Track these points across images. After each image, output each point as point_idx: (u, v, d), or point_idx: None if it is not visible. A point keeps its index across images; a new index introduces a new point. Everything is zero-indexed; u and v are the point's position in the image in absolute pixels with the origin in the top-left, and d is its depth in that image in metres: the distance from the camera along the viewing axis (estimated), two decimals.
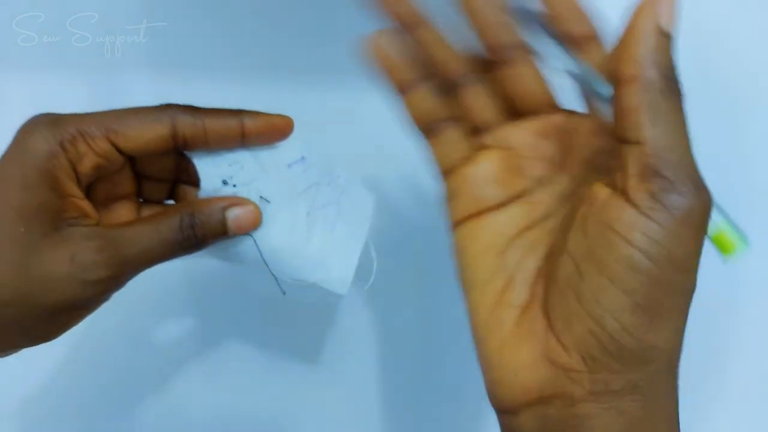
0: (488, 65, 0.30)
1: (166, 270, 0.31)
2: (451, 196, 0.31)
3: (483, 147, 0.30)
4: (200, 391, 0.45)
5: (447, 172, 0.31)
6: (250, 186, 0.31)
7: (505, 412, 0.27)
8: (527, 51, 0.29)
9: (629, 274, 0.23)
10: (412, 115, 0.31)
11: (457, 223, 0.31)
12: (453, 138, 0.31)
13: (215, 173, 0.31)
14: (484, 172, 0.30)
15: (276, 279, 0.32)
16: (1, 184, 0.28)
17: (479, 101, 0.30)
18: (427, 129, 0.31)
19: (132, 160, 0.32)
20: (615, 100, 0.24)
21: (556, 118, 0.30)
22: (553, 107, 0.30)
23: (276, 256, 0.32)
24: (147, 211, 0.34)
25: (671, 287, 0.24)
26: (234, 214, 0.30)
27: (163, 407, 0.45)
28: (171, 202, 0.35)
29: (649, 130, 0.23)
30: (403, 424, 0.48)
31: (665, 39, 0.25)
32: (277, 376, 0.46)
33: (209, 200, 0.30)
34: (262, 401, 0.45)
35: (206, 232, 0.30)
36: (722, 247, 0.26)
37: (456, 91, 0.30)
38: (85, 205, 0.29)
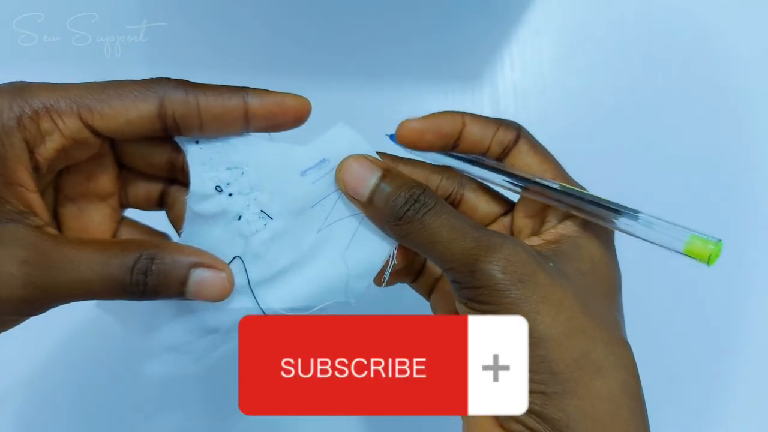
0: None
1: None
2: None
3: None
4: (200, 391, 0.45)
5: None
6: (248, 196, 0.26)
7: None
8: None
9: None
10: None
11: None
12: None
13: (210, 176, 0.26)
14: None
15: (262, 311, 0.27)
16: None
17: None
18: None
19: (116, 151, 0.27)
20: None
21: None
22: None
23: (269, 283, 0.27)
24: (127, 228, 0.29)
25: None
26: (199, 277, 0.24)
27: (161, 409, 0.45)
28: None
29: None
30: (403, 425, 0.47)
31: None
32: None
33: (179, 248, 0.25)
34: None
35: (159, 285, 0.24)
36: (699, 256, 0.27)
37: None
38: (34, 199, 0.24)
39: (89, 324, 0.44)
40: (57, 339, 0.44)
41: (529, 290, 0.23)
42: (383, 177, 0.26)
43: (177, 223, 0.29)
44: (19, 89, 0.23)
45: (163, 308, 0.27)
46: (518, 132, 0.28)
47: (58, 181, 0.27)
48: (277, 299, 0.27)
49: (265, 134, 0.27)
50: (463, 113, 0.28)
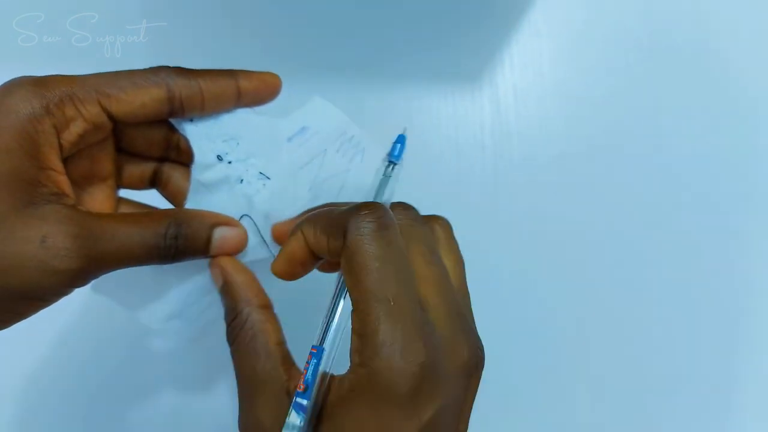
0: None
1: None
2: None
3: None
4: (200, 394, 0.45)
5: None
6: (246, 162, 0.30)
7: None
8: None
9: None
10: None
11: None
12: None
13: (209, 147, 0.29)
14: None
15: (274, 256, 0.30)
16: None
17: None
18: None
19: (116, 135, 0.29)
20: None
21: None
22: None
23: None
24: (125, 205, 0.31)
25: None
26: (220, 234, 0.28)
27: (160, 410, 0.45)
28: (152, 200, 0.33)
29: None
30: None
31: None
32: None
33: (199, 213, 0.28)
34: None
35: (188, 246, 0.27)
36: None
37: None
38: (64, 181, 0.26)
39: (83, 318, 0.45)
40: (53, 335, 0.44)
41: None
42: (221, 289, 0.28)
43: (175, 197, 0.32)
44: (41, 81, 0.25)
45: (161, 280, 0.30)
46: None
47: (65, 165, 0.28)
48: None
49: (249, 109, 0.30)
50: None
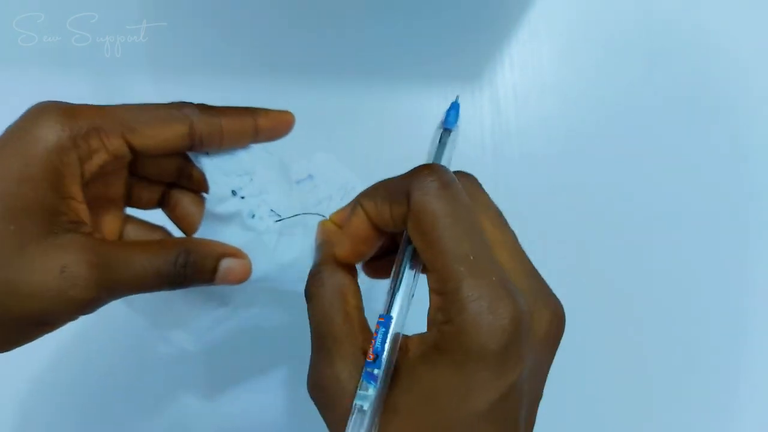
0: None
1: None
2: None
3: None
4: (200, 401, 0.45)
5: None
6: (258, 198, 0.30)
7: None
8: None
9: None
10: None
11: None
12: None
13: (225, 182, 0.30)
14: None
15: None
16: None
17: None
18: None
19: (131, 162, 0.30)
20: None
21: None
22: None
23: (286, 270, 0.31)
24: (131, 224, 0.32)
25: None
26: (227, 265, 0.28)
27: (165, 418, 0.45)
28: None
29: None
30: None
31: None
32: (280, 381, 0.46)
33: (208, 243, 0.29)
34: (267, 409, 0.45)
35: (195, 274, 0.27)
36: None
37: None
38: (83, 210, 0.27)
39: (89, 324, 0.44)
40: (59, 340, 0.44)
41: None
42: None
43: (182, 220, 0.33)
44: (70, 110, 0.26)
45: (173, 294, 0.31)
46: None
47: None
48: (286, 284, 0.31)
49: (261, 145, 0.31)
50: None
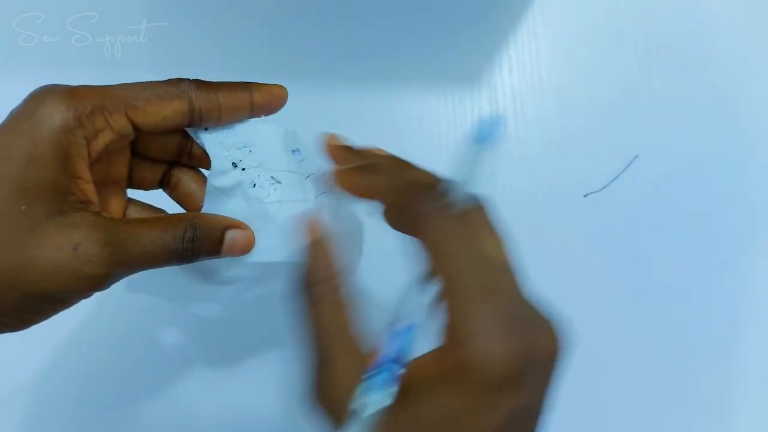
0: None
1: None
2: None
3: None
4: (204, 391, 0.45)
5: None
6: (258, 168, 0.31)
7: None
8: None
9: None
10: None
11: None
12: None
13: (225, 155, 0.31)
14: None
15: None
16: (2, 152, 0.25)
17: None
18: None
19: (133, 142, 0.30)
20: None
21: None
22: None
23: (287, 239, 0.31)
24: (134, 206, 0.33)
25: None
26: (232, 236, 0.29)
27: (166, 406, 0.45)
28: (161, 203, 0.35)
29: None
30: None
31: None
32: (280, 377, 0.46)
33: (212, 217, 0.29)
34: (269, 401, 0.45)
35: (202, 247, 0.28)
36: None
37: None
38: (91, 189, 0.27)
39: (96, 315, 0.45)
40: (65, 332, 0.45)
41: None
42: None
43: (184, 199, 0.34)
44: (73, 91, 0.26)
45: (187, 276, 0.32)
46: None
47: None
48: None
49: (258, 118, 0.32)
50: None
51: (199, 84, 0.29)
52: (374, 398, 0.23)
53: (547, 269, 0.48)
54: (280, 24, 0.51)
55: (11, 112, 0.26)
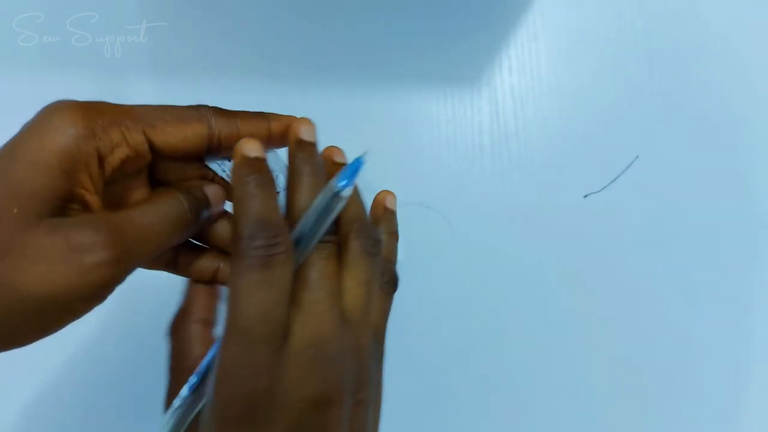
0: None
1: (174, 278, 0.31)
2: None
3: None
4: None
5: None
6: (282, 194, 0.31)
7: None
8: None
9: None
10: None
11: None
12: None
13: None
14: None
15: None
16: (8, 155, 0.25)
17: None
18: None
19: (152, 165, 0.30)
20: None
21: None
22: None
23: None
24: None
25: None
26: (211, 191, 0.30)
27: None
28: None
29: None
30: (403, 424, 0.48)
31: None
32: None
33: (188, 181, 0.30)
34: None
35: (199, 206, 0.29)
36: None
37: None
38: (95, 201, 0.26)
39: (109, 323, 0.45)
40: (79, 339, 0.44)
41: None
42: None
43: (204, 231, 0.32)
44: (89, 104, 0.26)
45: None
46: None
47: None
48: None
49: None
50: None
51: (219, 111, 0.29)
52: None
53: (547, 269, 0.49)
54: (279, 24, 0.51)
55: (27, 122, 0.26)
